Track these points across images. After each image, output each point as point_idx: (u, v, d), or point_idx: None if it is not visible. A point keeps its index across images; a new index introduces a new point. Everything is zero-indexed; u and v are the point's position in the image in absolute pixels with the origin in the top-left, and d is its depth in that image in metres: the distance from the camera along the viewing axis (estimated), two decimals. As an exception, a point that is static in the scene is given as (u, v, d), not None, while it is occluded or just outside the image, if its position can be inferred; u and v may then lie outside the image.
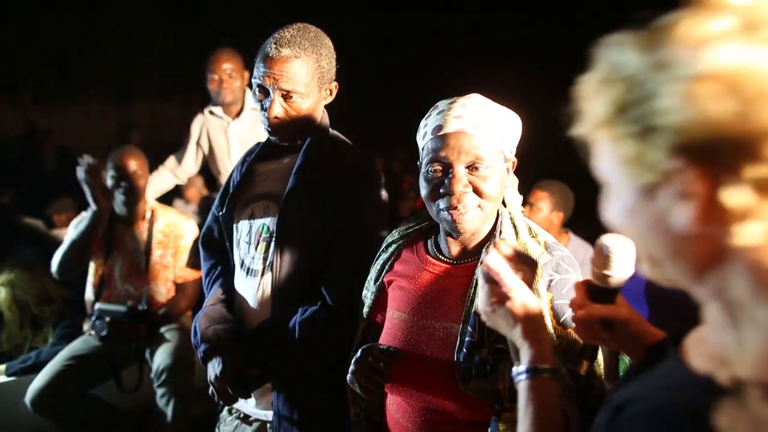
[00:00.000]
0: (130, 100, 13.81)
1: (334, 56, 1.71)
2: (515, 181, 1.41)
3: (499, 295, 1.01)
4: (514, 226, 1.34)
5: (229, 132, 3.46)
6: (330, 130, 1.76)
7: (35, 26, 12.88)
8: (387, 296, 1.44)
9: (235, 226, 1.79)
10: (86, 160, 2.80)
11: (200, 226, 2.85)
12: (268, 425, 1.71)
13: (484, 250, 1.30)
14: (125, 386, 2.86)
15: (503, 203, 1.39)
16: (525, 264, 1.06)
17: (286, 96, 1.62)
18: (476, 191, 1.27)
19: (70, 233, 3.02)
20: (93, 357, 2.82)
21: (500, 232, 1.32)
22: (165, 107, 13.17)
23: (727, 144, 0.54)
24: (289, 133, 1.68)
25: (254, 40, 1.79)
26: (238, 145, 3.42)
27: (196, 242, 2.87)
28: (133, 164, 2.92)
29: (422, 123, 1.34)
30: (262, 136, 1.93)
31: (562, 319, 1.22)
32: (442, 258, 1.38)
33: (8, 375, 2.99)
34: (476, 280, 1.28)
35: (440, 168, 1.28)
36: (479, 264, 1.29)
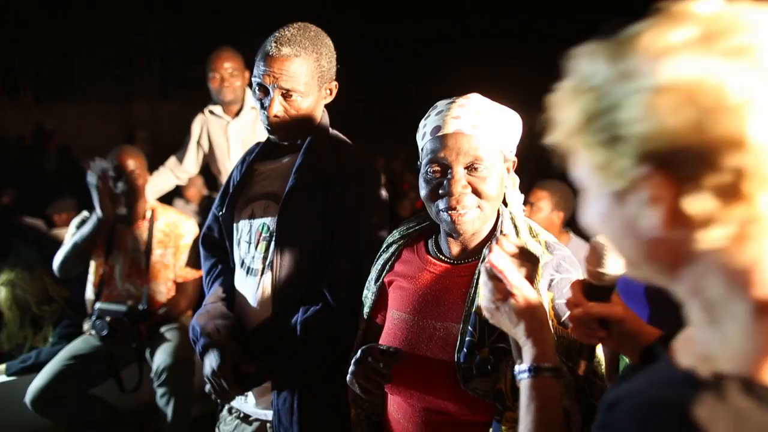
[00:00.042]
0: (130, 100, 13.81)
1: (335, 56, 1.71)
2: (516, 180, 1.40)
3: (502, 293, 1.01)
4: (515, 226, 1.34)
5: (229, 131, 3.46)
6: (330, 129, 1.76)
7: (35, 26, 12.88)
8: (387, 296, 1.44)
9: (235, 225, 1.79)
10: (100, 165, 2.81)
11: (200, 225, 2.85)
12: (268, 425, 1.71)
13: (485, 248, 1.30)
14: (125, 386, 2.86)
15: (504, 203, 1.39)
16: (527, 261, 1.06)
17: (286, 95, 1.62)
18: (475, 192, 1.27)
19: (71, 232, 3.03)
20: (93, 356, 2.81)
21: (501, 231, 1.32)
22: (165, 107, 13.17)
23: (687, 153, 0.56)
24: (289, 132, 1.68)
25: (254, 40, 1.79)
26: (238, 145, 3.42)
27: (196, 242, 2.87)
28: (132, 163, 2.92)
29: (421, 123, 1.34)
30: (262, 135, 1.93)
31: (563, 319, 1.22)
32: (443, 258, 1.37)
33: (8, 375, 2.99)
34: (477, 280, 1.28)
35: (439, 169, 1.28)
36: (481, 262, 1.29)
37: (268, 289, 1.67)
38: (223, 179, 3.45)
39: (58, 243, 3.08)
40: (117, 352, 2.84)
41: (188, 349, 2.63)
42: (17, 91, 13.17)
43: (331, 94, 1.73)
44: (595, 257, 1.00)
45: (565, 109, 0.66)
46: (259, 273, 1.69)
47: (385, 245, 1.50)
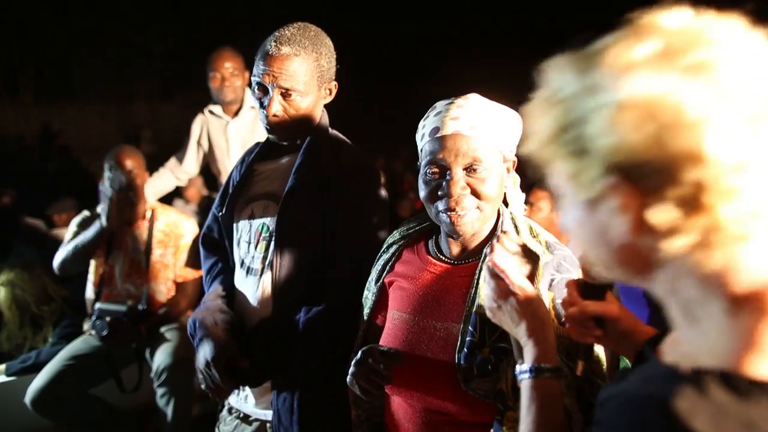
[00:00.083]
0: (130, 100, 13.81)
1: (335, 56, 1.70)
2: (517, 179, 1.40)
3: (504, 292, 1.01)
4: (515, 226, 1.33)
5: (229, 130, 3.46)
6: (330, 129, 1.76)
7: (35, 26, 12.88)
8: (388, 297, 1.44)
9: (234, 225, 1.79)
10: (120, 177, 2.80)
11: (200, 225, 2.85)
12: (268, 425, 1.71)
13: (487, 247, 1.30)
14: (125, 386, 2.86)
15: (505, 202, 1.39)
16: (528, 260, 1.06)
17: (285, 94, 1.62)
18: (474, 193, 1.27)
19: (71, 230, 3.03)
20: (93, 357, 2.81)
21: (502, 230, 1.32)
22: (165, 107, 13.17)
23: (649, 167, 0.59)
24: (288, 131, 1.68)
25: (254, 40, 1.79)
26: (238, 144, 3.42)
27: (196, 241, 2.87)
28: (130, 163, 2.92)
29: (420, 124, 1.34)
30: (262, 135, 1.92)
31: (563, 319, 1.22)
32: (443, 258, 1.37)
33: (8, 375, 2.99)
34: (477, 280, 1.28)
35: (438, 170, 1.28)
36: (482, 261, 1.29)
37: (268, 289, 1.67)
38: (223, 179, 3.45)
39: (58, 243, 3.08)
40: (117, 352, 2.84)
41: (188, 349, 2.63)
42: (17, 91, 13.17)
43: (330, 94, 1.73)
44: None
45: (539, 119, 0.69)
46: (259, 273, 1.69)
47: (385, 246, 1.50)
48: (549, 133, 0.67)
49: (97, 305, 2.83)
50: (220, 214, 1.81)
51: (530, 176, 0.82)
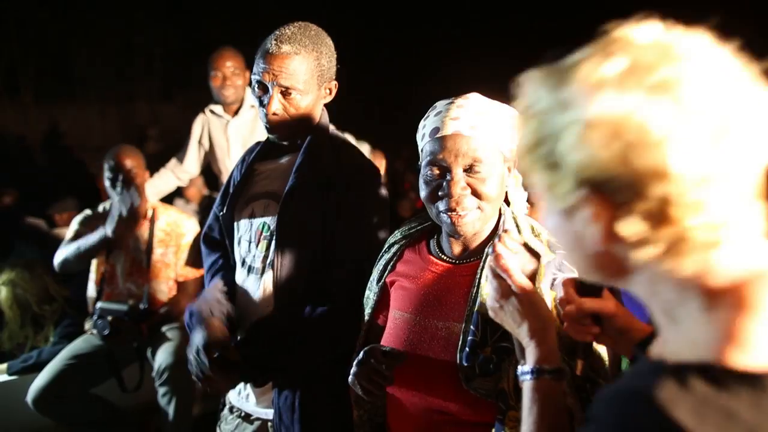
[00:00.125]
0: (130, 100, 13.80)
1: (335, 55, 1.71)
2: (519, 179, 1.40)
3: (506, 291, 1.01)
4: (517, 225, 1.33)
5: (229, 130, 3.46)
6: (330, 129, 1.76)
7: (35, 26, 12.88)
8: (389, 297, 1.44)
9: (235, 224, 1.79)
10: (134, 194, 2.81)
11: (201, 225, 2.85)
12: (269, 424, 1.71)
13: (488, 247, 1.30)
14: (126, 385, 2.86)
15: (507, 202, 1.39)
16: (530, 259, 1.06)
17: (285, 93, 1.62)
18: (475, 193, 1.27)
19: (73, 228, 3.03)
20: (94, 356, 2.82)
21: (503, 230, 1.32)
22: (165, 107, 13.16)
23: (617, 182, 0.62)
24: (288, 130, 1.68)
25: (254, 40, 1.79)
26: (238, 143, 3.43)
27: (197, 241, 2.87)
28: (129, 162, 2.92)
29: (421, 124, 1.34)
30: (262, 134, 1.93)
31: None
32: (445, 257, 1.38)
33: (10, 374, 2.99)
34: (479, 280, 1.28)
35: (438, 171, 1.28)
36: (484, 261, 1.29)
37: (270, 288, 1.67)
38: (224, 179, 3.45)
39: (59, 243, 3.08)
40: (118, 351, 2.85)
41: (189, 349, 2.64)
42: (17, 91, 13.16)
43: (330, 93, 1.73)
44: None
45: (519, 130, 0.72)
46: (260, 272, 1.69)
47: (386, 245, 1.50)
48: (526, 145, 0.70)
49: (99, 304, 2.83)
50: (221, 213, 1.81)
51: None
